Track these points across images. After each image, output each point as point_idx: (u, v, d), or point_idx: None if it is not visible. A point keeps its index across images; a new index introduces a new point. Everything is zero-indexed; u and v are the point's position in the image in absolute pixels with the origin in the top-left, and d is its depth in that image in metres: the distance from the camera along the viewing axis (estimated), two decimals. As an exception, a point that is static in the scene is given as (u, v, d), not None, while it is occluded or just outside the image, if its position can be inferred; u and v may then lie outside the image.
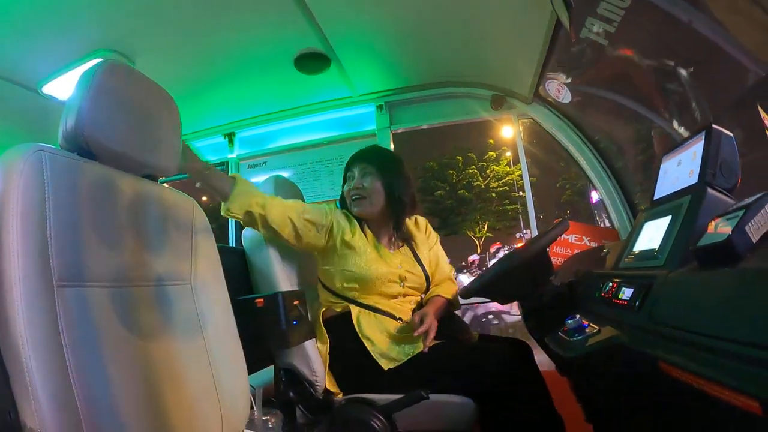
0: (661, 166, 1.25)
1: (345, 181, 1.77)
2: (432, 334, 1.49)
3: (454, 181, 24.16)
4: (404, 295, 1.68)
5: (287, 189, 1.83)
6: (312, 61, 2.42)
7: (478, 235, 23.85)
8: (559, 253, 2.41)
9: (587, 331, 1.08)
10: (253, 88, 2.76)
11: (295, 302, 1.43)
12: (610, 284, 1.07)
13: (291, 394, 1.51)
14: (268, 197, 1.56)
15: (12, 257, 0.72)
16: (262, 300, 1.38)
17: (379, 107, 2.93)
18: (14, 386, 0.69)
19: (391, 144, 2.93)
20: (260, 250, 1.61)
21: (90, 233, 0.86)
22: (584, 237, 2.43)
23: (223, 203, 1.48)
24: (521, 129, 2.80)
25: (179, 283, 1.08)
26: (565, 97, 2.35)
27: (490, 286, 1.43)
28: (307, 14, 2.02)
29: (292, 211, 1.58)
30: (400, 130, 2.99)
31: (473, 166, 24.21)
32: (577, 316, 1.14)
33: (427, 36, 2.29)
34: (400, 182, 1.70)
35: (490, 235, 23.65)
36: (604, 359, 1.00)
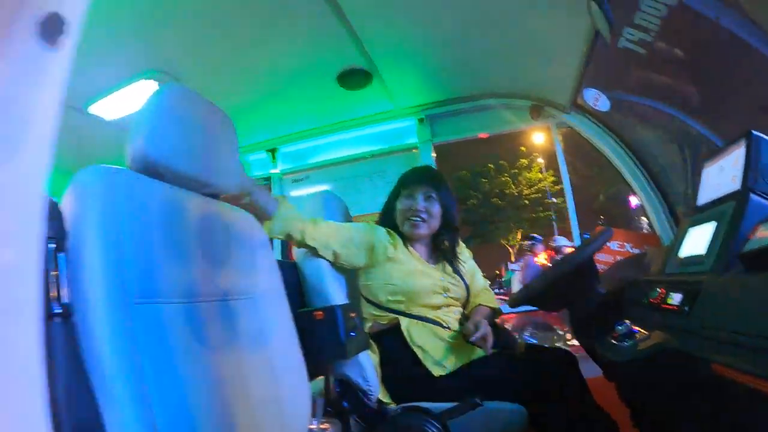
0: (703, 171, 1.26)
1: (397, 196, 1.81)
2: (490, 339, 1.51)
3: (486, 189, 23.91)
4: (447, 306, 1.71)
5: (335, 205, 1.87)
6: (354, 78, 2.48)
7: (512, 243, 23.48)
8: (600, 260, 2.41)
9: (637, 336, 1.09)
10: (296, 105, 2.81)
11: (352, 314, 1.47)
12: (659, 290, 1.09)
13: (345, 404, 1.55)
14: (309, 223, 1.57)
15: (93, 277, 0.75)
16: (321, 313, 1.41)
17: (420, 120, 2.97)
18: (98, 397, 0.72)
19: (433, 155, 2.98)
20: (312, 263, 1.63)
21: (162, 252, 0.89)
22: (626, 243, 2.42)
23: (265, 222, 1.49)
24: (560, 138, 2.82)
25: (243, 298, 1.10)
26: (602, 104, 2.36)
27: (539, 294, 1.45)
28: (351, 32, 2.07)
29: (333, 238, 1.60)
30: (440, 143, 3.02)
31: (505, 174, 23.91)
32: (627, 321, 1.16)
33: (467, 49, 2.31)
34: (455, 208, 1.81)
35: (524, 243, 23.22)
36: (655, 363, 1.01)
